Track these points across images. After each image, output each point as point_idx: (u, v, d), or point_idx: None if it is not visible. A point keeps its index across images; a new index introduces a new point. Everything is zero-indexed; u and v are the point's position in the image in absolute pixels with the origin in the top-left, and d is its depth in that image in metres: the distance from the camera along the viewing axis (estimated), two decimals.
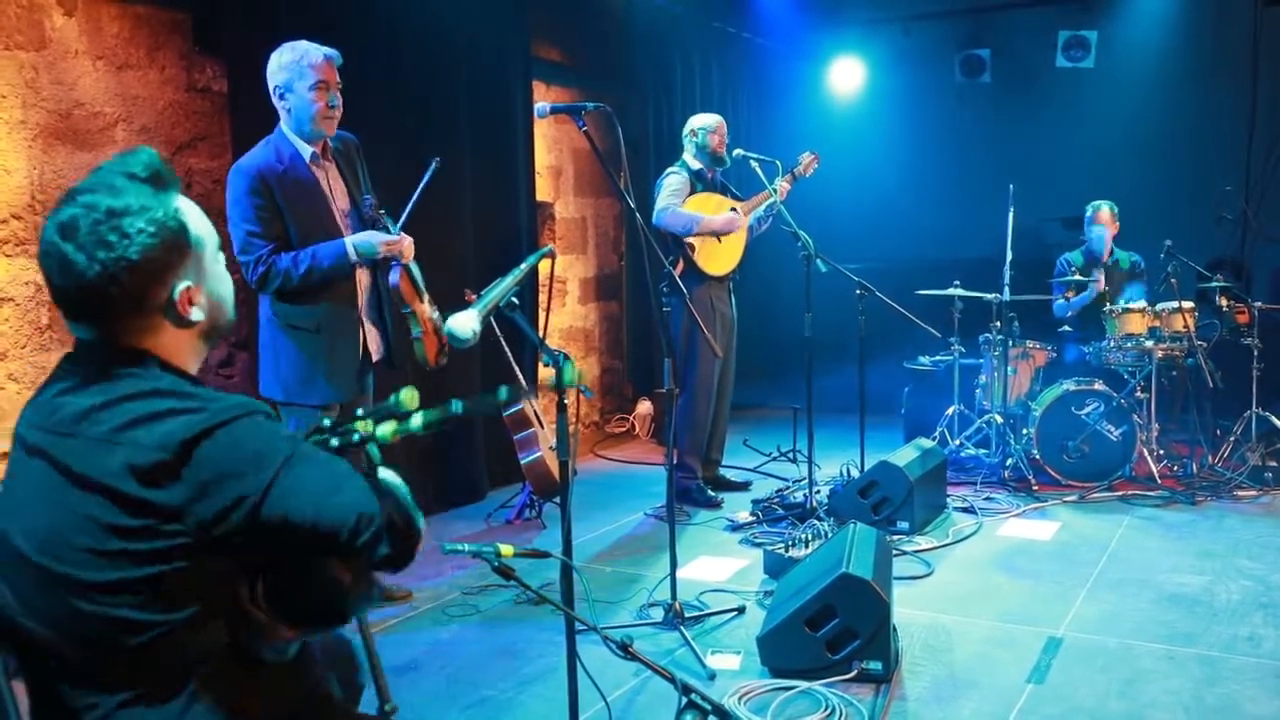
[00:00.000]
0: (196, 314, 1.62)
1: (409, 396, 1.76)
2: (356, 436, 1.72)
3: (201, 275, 1.63)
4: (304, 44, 3.48)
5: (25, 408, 1.62)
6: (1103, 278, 6.30)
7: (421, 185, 3.80)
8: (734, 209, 5.51)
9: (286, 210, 3.47)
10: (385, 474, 1.68)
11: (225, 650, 1.56)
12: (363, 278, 3.70)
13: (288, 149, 3.52)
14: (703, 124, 5.52)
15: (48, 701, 1.56)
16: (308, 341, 3.56)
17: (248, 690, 1.59)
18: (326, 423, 1.76)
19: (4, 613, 1.55)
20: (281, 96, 3.46)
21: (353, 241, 3.50)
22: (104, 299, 1.53)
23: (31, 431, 1.56)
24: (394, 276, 3.62)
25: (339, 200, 3.65)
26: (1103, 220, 6.41)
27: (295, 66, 3.43)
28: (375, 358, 3.79)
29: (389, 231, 3.66)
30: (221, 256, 1.71)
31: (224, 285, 1.70)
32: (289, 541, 1.53)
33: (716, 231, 5.38)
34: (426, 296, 3.79)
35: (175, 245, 1.58)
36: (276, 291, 3.53)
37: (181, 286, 1.59)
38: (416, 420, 1.76)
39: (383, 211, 3.72)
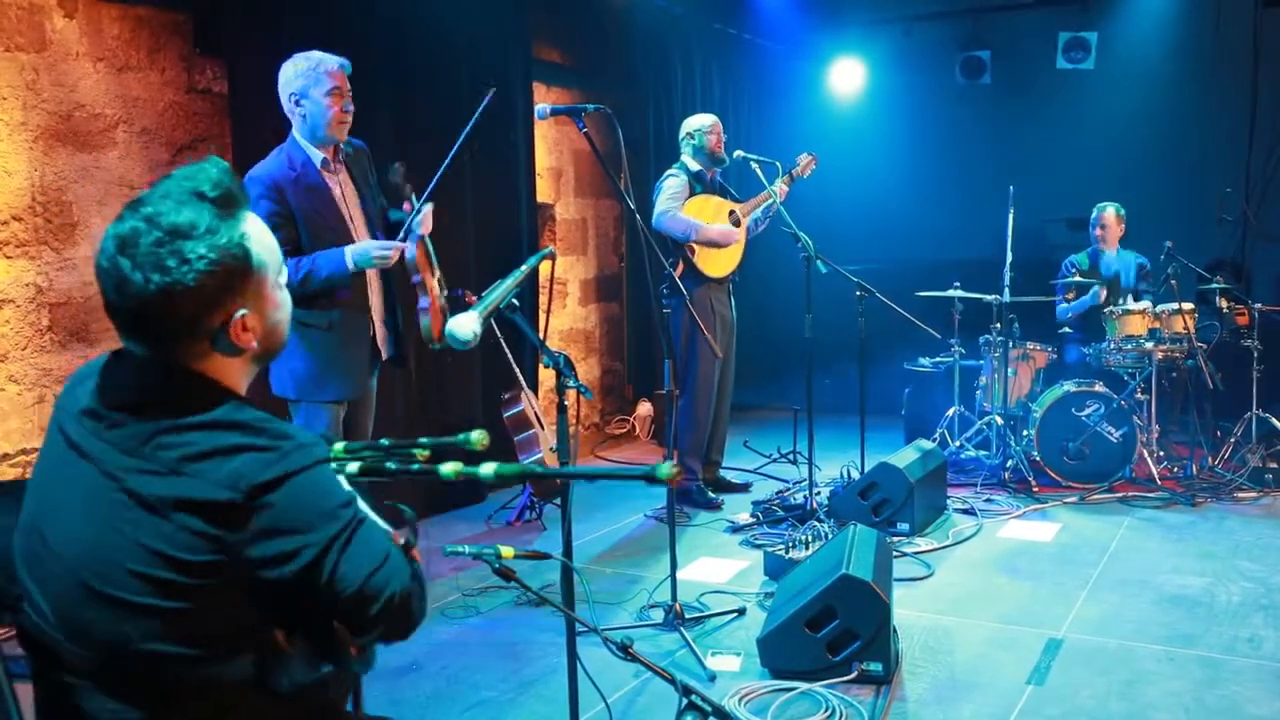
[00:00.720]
0: (249, 340, 1.57)
1: (480, 438, 1.74)
2: (416, 467, 1.71)
3: (260, 302, 1.58)
4: (317, 53, 3.52)
5: (68, 395, 1.59)
6: (1104, 291, 6.29)
7: (475, 117, 3.67)
8: (733, 211, 5.51)
9: (299, 215, 3.50)
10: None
11: (251, 681, 1.54)
12: (373, 278, 3.72)
13: (300, 156, 3.55)
14: (698, 124, 5.52)
15: (59, 707, 1.55)
16: (320, 339, 3.58)
17: (265, 714, 1.58)
18: (385, 442, 1.74)
19: (28, 614, 1.53)
20: (297, 103, 3.50)
21: (351, 252, 3.51)
22: (157, 321, 1.49)
23: (85, 437, 1.52)
24: (410, 248, 3.62)
25: (350, 205, 3.68)
26: (1108, 222, 6.42)
27: (311, 74, 3.48)
28: (384, 356, 3.82)
29: (413, 203, 3.68)
30: (285, 274, 1.66)
31: (282, 311, 1.65)
32: (325, 600, 1.52)
33: (714, 242, 5.39)
34: (438, 274, 3.79)
35: (235, 271, 1.52)
36: None
37: (238, 315, 1.54)
38: (488, 469, 1.73)
39: (409, 187, 3.74)
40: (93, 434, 1.51)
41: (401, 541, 1.65)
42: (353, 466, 1.78)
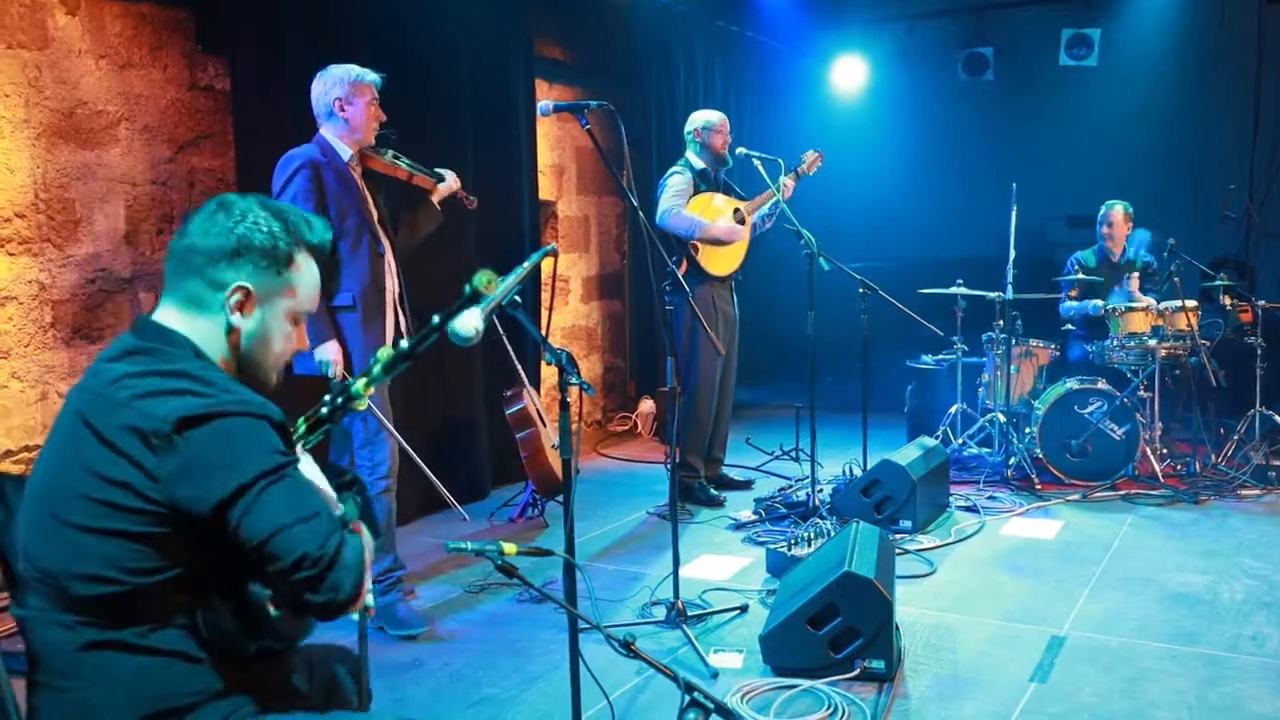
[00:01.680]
0: (238, 320, 1.75)
1: (483, 279, 1.86)
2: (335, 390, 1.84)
3: (268, 300, 1.78)
4: (357, 67, 3.87)
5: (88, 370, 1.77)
6: (1104, 306, 6.26)
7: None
8: (738, 209, 5.50)
9: (330, 194, 3.77)
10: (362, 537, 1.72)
11: (191, 622, 1.65)
12: (391, 263, 3.94)
13: (329, 148, 3.85)
14: (705, 120, 5.51)
15: (30, 647, 1.67)
16: (343, 319, 3.78)
17: (208, 662, 1.67)
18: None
19: (14, 548, 1.70)
20: (342, 108, 3.83)
21: (319, 352, 3.68)
22: (195, 251, 1.73)
23: (75, 390, 1.70)
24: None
25: (370, 202, 3.93)
26: (1115, 220, 6.40)
27: (358, 84, 3.84)
28: (403, 336, 3.93)
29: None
30: (302, 325, 1.85)
31: (280, 341, 1.82)
32: (238, 549, 1.60)
33: (718, 240, 5.37)
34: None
35: (270, 255, 1.76)
36: None
37: (243, 282, 1.74)
38: (376, 366, 1.85)
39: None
40: (79, 387, 1.68)
41: (338, 512, 1.71)
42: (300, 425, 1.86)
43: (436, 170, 4.16)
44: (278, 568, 1.58)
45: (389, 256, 3.93)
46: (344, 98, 3.84)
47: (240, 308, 1.75)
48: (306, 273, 1.83)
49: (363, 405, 1.85)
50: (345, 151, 3.87)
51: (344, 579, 1.61)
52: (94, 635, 1.60)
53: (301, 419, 1.86)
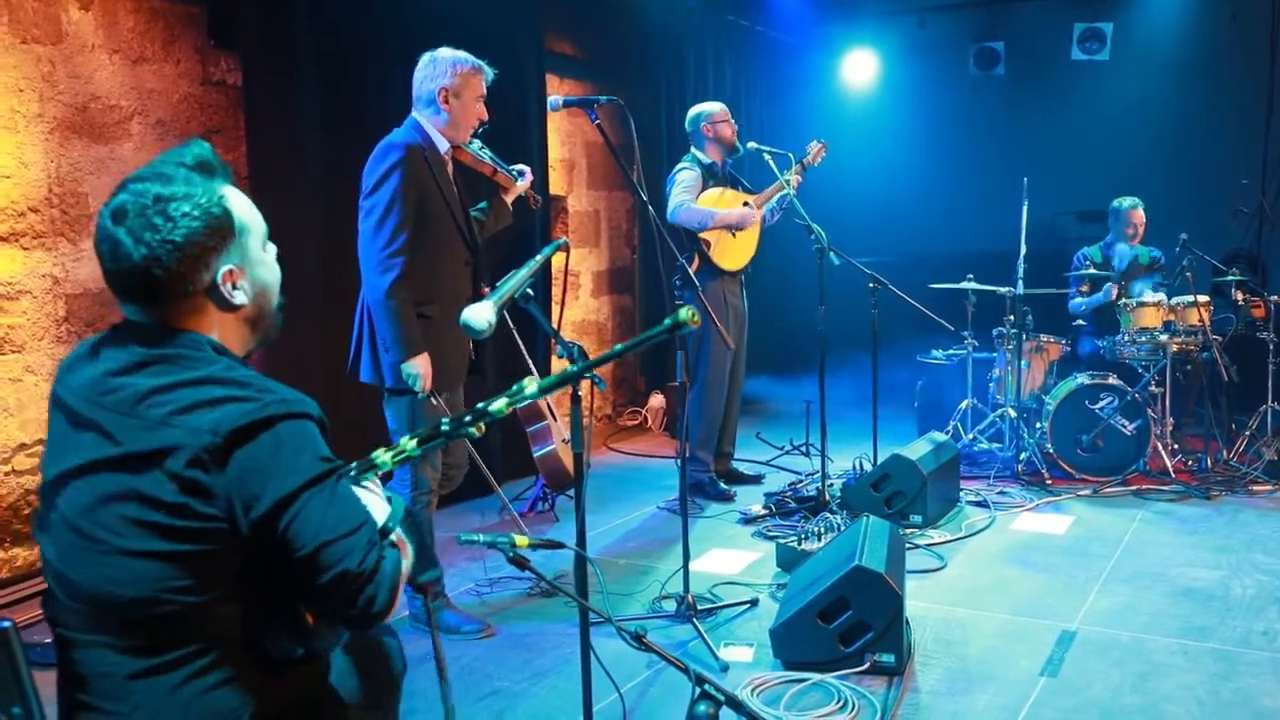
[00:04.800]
0: (240, 297, 1.69)
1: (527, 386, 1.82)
2: (470, 429, 1.79)
3: (245, 260, 1.70)
4: (473, 57, 3.61)
5: (66, 374, 1.69)
6: (1115, 289, 6.26)
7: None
8: (747, 203, 5.50)
9: (427, 193, 3.52)
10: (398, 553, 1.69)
11: (238, 638, 1.61)
12: (474, 271, 3.73)
13: (427, 136, 3.60)
14: (706, 111, 5.49)
15: (71, 667, 1.62)
16: (424, 327, 3.55)
17: (251, 676, 1.63)
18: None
19: (46, 576, 1.63)
20: (446, 99, 3.56)
21: (404, 365, 3.50)
22: (150, 280, 1.60)
23: (83, 405, 1.62)
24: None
25: (461, 203, 3.72)
26: (1137, 220, 6.39)
27: (471, 76, 3.58)
28: (472, 356, 3.85)
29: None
30: (271, 247, 1.77)
31: (269, 273, 1.76)
32: (282, 555, 1.57)
33: (731, 226, 5.36)
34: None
35: (219, 229, 1.64)
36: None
37: (224, 268, 1.66)
38: (531, 387, 1.82)
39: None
40: (93, 403, 1.60)
41: (382, 519, 1.68)
42: (410, 441, 1.80)
43: (515, 167, 3.93)
44: (319, 581, 1.56)
45: (473, 265, 3.72)
46: (451, 88, 3.55)
47: (234, 285, 1.68)
48: (238, 201, 1.70)
49: (480, 432, 1.80)
50: (442, 144, 3.62)
51: (381, 593, 1.59)
52: (144, 661, 1.57)
53: (412, 436, 1.81)
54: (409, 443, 1.79)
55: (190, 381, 1.58)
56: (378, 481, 1.81)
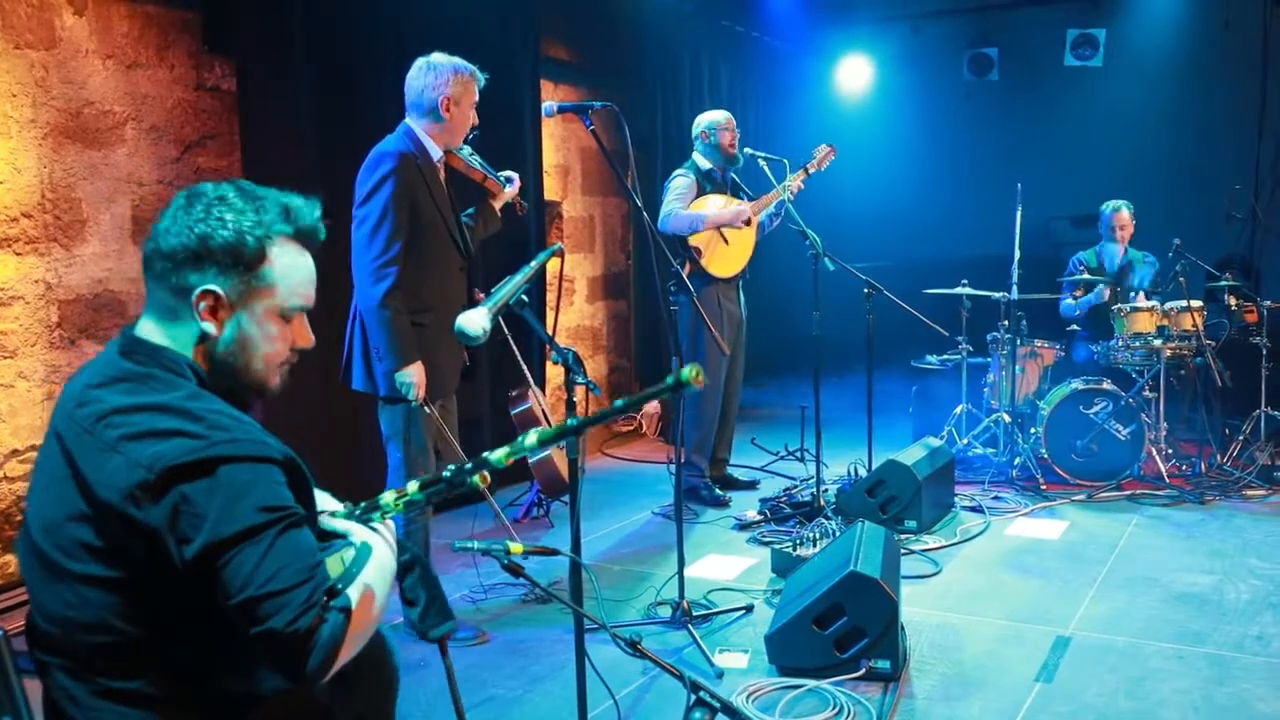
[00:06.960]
0: (209, 326, 1.63)
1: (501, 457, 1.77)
2: (473, 478, 1.77)
3: (242, 301, 1.64)
4: (469, 65, 3.62)
5: (71, 379, 1.67)
6: (1108, 291, 6.28)
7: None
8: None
9: (419, 200, 3.52)
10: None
11: (189, 669, 1.58)
12: (459, 283, 3.73)
13: (421, 143, 3.61)
14: (710, 120, 5.49)
15: (47, 691, 1.61)
16: (418, 335, 3.54)
17: (219, 708, 1.61)
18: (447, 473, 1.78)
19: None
20: (448, 107, 3.57)
21: (398, 374, 3.50)
22: (160, 254, 1.61)
23: (60, 415, 1.61)
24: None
25: (453, 209, 3.72)
26: (1120, 222, 6.42)
27: (470, 85, 3.61)
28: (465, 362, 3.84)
29: None
30: (294, 330, 1.71)
31: (262, 337, 1.67)
32: (218, 600, 1.51)
33: (724, 225, 5.33)
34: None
35: (235, 249, 1.61)
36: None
37: (211, 285, 1.61)
38: (530, 440, 1.77)
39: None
40: (68, 415, 1.59)
41: (337, 571, 1.59)
42: (413, 485, 1.78)
43: (503, 174, 3.94)
44: (250, 631, 1.49)
45: (467, 271, 3.71)
46: (453, 97, 3.55)
47: (212, 314, 1.62)
48: (289, 265, 1.67)
49: (485, 483, 1.79)
50: (436, 151, 3.62)
51: (313, 658, 1.49)
52: (105, 684, 1.55)
53: (416, 482, 1.78)
54: (413, 486, 1.77)
55: (149, 406, 1.54)
56: (390, 523, 1.76)
